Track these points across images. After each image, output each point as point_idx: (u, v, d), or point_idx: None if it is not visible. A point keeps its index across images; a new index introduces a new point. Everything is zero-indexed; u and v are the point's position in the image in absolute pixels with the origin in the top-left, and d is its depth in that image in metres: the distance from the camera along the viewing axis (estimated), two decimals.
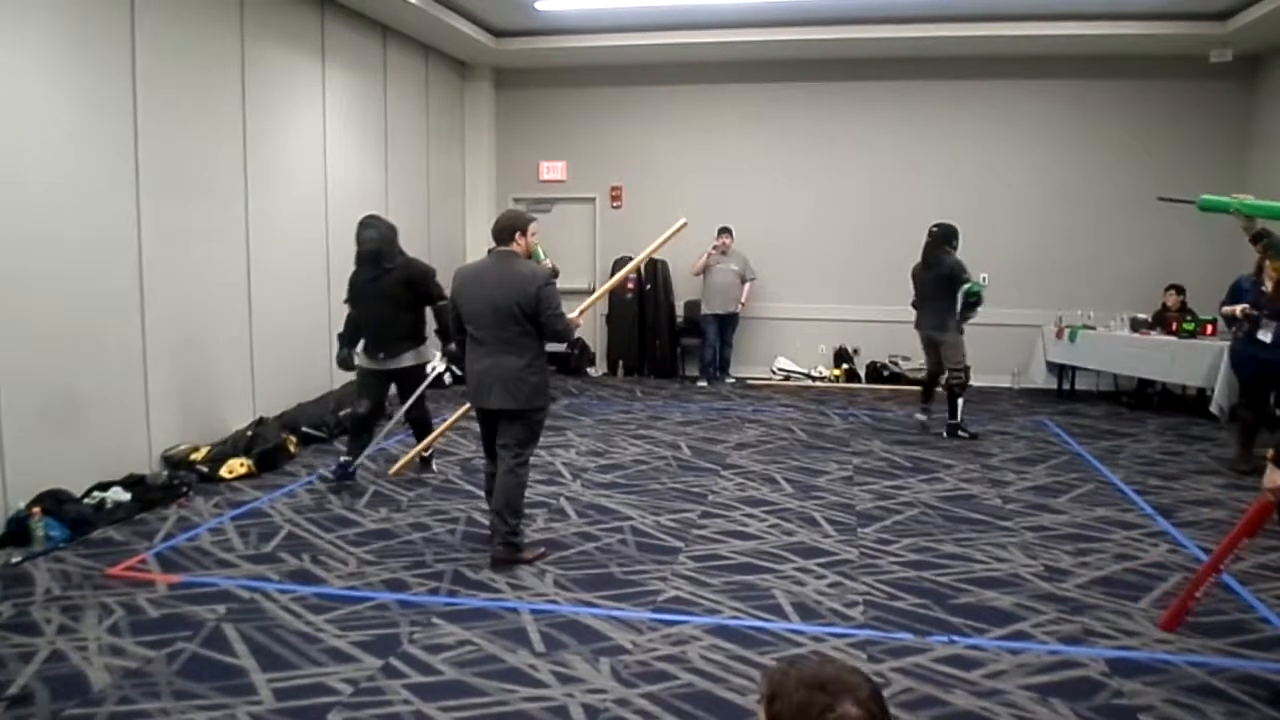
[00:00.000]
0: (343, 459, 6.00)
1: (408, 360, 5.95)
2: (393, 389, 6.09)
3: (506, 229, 4.56)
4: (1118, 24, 8.66)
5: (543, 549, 4.71)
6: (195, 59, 6.23)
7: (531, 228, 4.64)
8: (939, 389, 7.74)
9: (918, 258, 9.89)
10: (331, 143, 7.93)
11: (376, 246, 5.82)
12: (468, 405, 4.90)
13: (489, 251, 4.58)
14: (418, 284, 5.90)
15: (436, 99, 9.92)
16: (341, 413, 7.25)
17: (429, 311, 6.00)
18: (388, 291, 5.79)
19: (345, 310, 6.09)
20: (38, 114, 5.01)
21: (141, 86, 5.69)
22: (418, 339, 6.01)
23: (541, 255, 9.20)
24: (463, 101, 10.60)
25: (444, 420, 6.31)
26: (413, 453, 6.23)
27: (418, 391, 6.01)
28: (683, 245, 10.07)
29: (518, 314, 4.41)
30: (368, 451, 6.13)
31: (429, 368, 6.11)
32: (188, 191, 6.16)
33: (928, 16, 8.83)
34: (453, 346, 5.31)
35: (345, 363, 6.08)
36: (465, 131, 10.66)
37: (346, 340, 6.04)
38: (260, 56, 6.90)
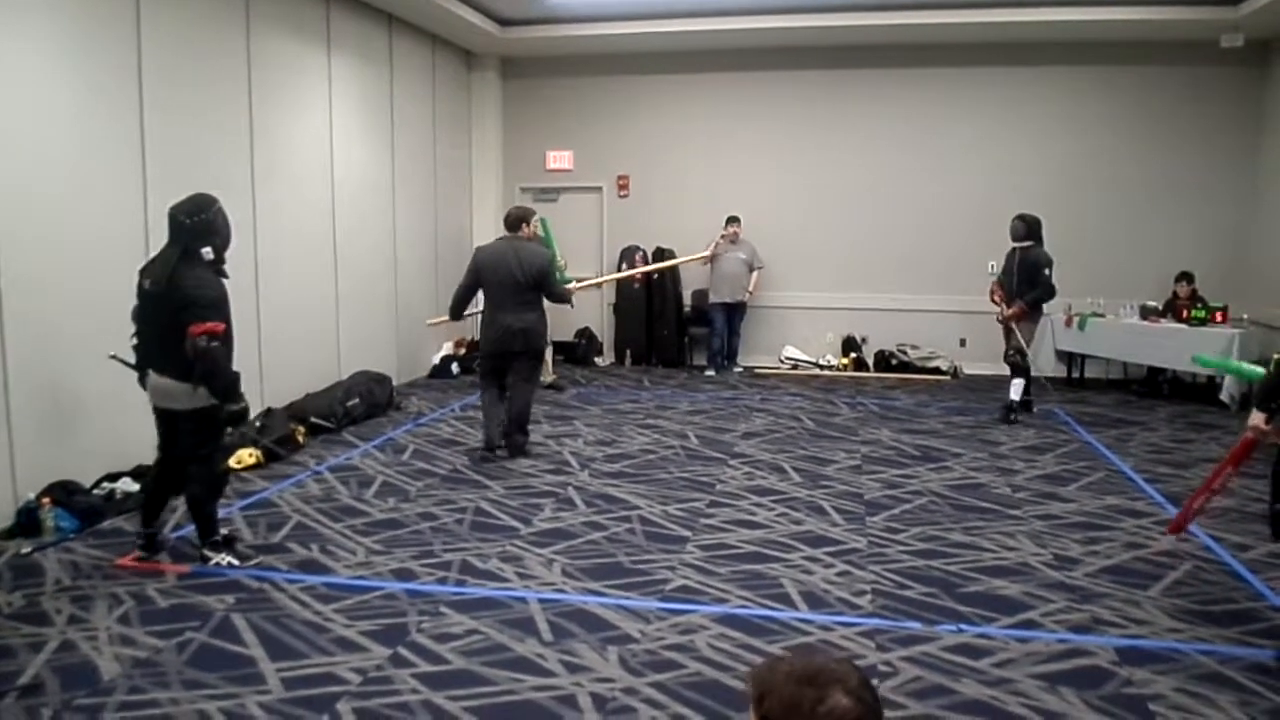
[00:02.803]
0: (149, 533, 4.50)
1: None
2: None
3: (518, 220, 6.40)
4: (1126, 9, 8.59)
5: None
6: (201, 52, 6.22)
7: (533, 220, 6.55)
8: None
9: (925, 245, 9.94)
10: (338, 134, 7.92)
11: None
12: None
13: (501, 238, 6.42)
14: None
15: (443, 89, 9.90)
16: (351, 402, 7.26)
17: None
18: None
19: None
20: (42, 110, 5.01)
21: (147, 80, 5.68)
22: None
23: (555, 246, 9.21)
24: (469, 91, 10.58)
25: None
26: None
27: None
28: (690, 234, 10.15)
29: (531, 283, 6.18)
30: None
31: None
32: (194, 185, 6.02)
33: (936, 3, 8.77)
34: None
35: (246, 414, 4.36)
36: (472, 121, 10.64)
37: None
38: (266, 48, 6.89)
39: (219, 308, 4.15)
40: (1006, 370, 7.88)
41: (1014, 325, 7.67)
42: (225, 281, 4.33)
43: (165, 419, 4.34)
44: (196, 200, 4.29)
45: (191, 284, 4.11)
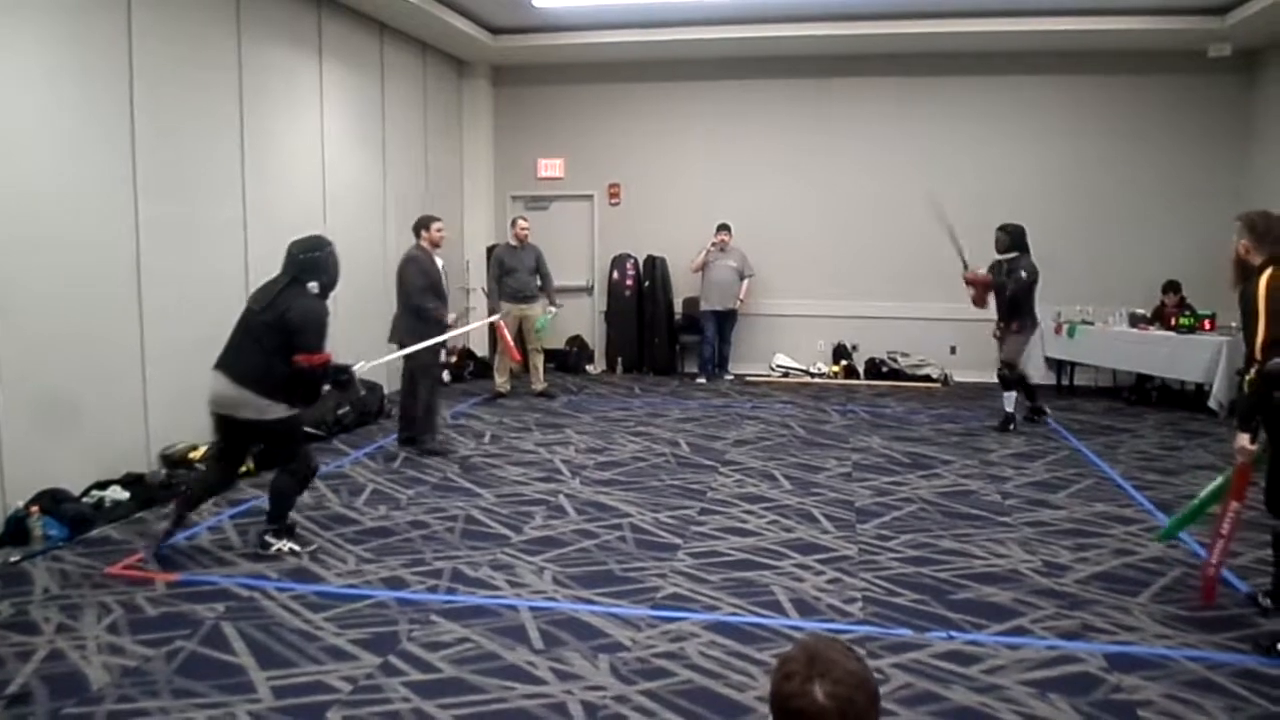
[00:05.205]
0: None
1: None
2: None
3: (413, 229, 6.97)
4: (1116, 19, 8.66)
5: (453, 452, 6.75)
6: (192, 58, 6.22)
7: (435, 225, 6.90)
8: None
9: (916, 252, 9.95)
10: (329, 141, 7.92)
11: None
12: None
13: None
14: None
15: (434, 97, 9.91)
16: (342, 410, 7.25)
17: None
18: None
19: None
20: (35, 114, 5.00)
21: (138, 85, 5.67)
22: None
23: (546, 324, 8.95)
24: (460, 99, 10.58)
25: None
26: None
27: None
28: (682, 242, 10.17)
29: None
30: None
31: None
32: (185, 190, 6.15)
33: (926, 12, 8.82)
34: None
35: None
36: (463, 129, 10.64)
37: None
38: (257, 55, 6.89)
39: (323, 335, 4.54)
40: (997, 378, 7.88)
41: (1004, 338, 7.66)
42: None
43: (227, 426, 4.56)
44: (313, 240, 4.73)
45: (298, 314, 4.45)
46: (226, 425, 4.54)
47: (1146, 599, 4.09)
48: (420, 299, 6.60)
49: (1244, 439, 3.69)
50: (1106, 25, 8.72)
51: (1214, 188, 9.40)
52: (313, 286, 4.56)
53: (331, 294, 4.70)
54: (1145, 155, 9.65)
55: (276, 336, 4.41)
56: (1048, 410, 7.96)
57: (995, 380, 7.91)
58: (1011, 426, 7.57)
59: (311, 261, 4.59)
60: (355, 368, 4.86)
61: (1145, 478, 6.16)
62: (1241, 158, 9.36)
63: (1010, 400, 7.61)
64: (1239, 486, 3.83)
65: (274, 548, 4.59)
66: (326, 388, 4.74)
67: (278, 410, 4.48)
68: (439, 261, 6.88)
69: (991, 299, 7.75)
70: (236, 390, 4.40)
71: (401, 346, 6.28)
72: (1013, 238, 7.57)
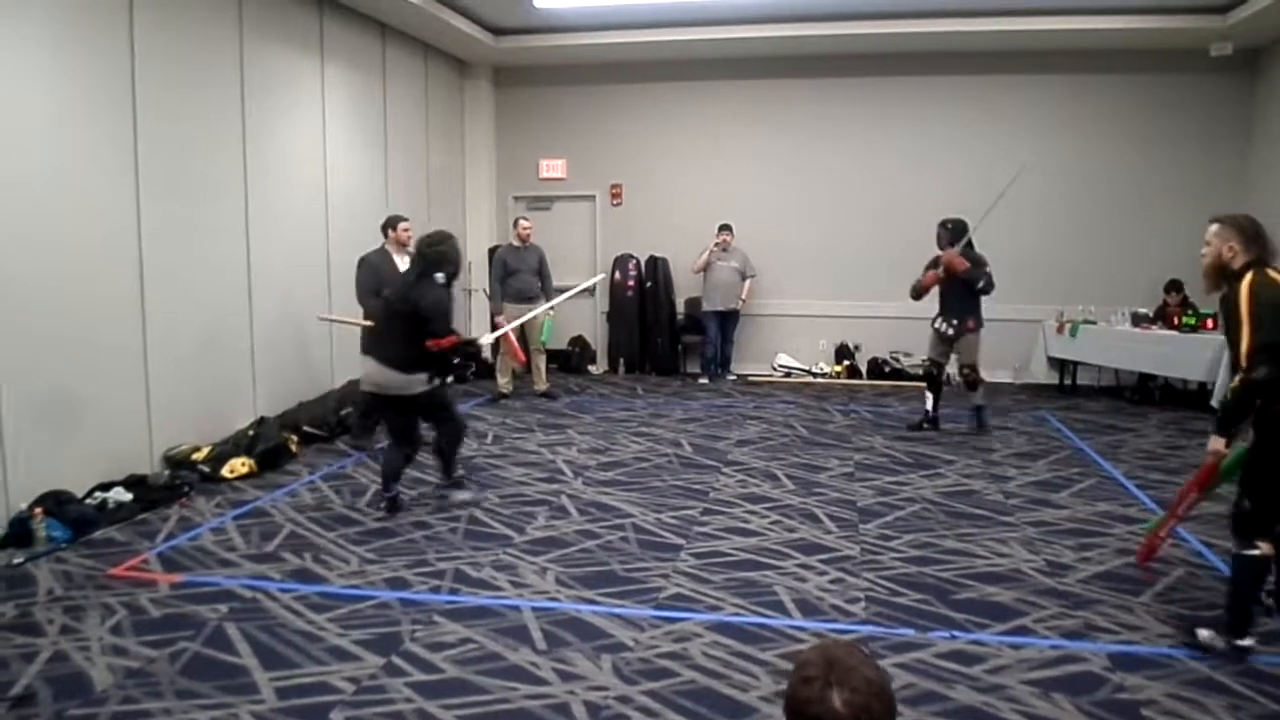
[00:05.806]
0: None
1: None
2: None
3: (381, 228, 7.05)
4: (1118, 18, 8.65)
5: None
6: (194, 59, 6.23)
7: (401, 225, 6.96)
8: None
9: (917, 252, 9.88)
10: (331, 142, 7.93)
11: None
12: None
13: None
14: None
15: (436, 98, 9.92)
16: (344, 411, 7.26)
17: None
18: None
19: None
20: (37, 115, 5.01)
21: (140, 87, 5.68)
22: None
23: (550, 329, 8.95)
24: (462, 100, 10.59)
25: None
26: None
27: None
28: (684, 242, 10.17)
29: None
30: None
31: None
32: (188, 191, 6.15)
33: (929, 12, 8.82)
34: None
35: None
36: (465, 130, 10.65)
37: None
38: (259, 56, 6.90)
39: (450, 320, 5.20)
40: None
41: (960, 338, 7.44)
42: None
43: (387, 402, 5.28)
44: (438, 235, 5.31)
45: (429, 304, 5.05)
46: (385, 402, 5.26)
47: (1149, 598, 4.09)
48: (362, 301, 6.74)
49: (1219, 442, 3.66)
50: (1108, 24, 8.71)
51: (1216, 186, 9.39)
52: (439, 277, 5.12)
53: (456, 281, 5.33)
54: (1147, 154, 9.64)
55: (411, 324, 5.05)
56: (940, 426, 7.60)
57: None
58: (984, 423, 7.47)
59: (438, 254, 5.15)
60: (481, 340, 5.87)
61: (1148, 477, 6.16)
62: (1243, 156, 9.35)
63: (980, 396, 7.52)
64: (1204, 479, 3.95)
65: (458, 497, 5.46)
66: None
67: (420, 385, 5.12)
68: (405, 263, 6.56)
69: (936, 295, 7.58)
70: (385, 373, 5.11)
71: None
72: (954, 233, 7.37)
